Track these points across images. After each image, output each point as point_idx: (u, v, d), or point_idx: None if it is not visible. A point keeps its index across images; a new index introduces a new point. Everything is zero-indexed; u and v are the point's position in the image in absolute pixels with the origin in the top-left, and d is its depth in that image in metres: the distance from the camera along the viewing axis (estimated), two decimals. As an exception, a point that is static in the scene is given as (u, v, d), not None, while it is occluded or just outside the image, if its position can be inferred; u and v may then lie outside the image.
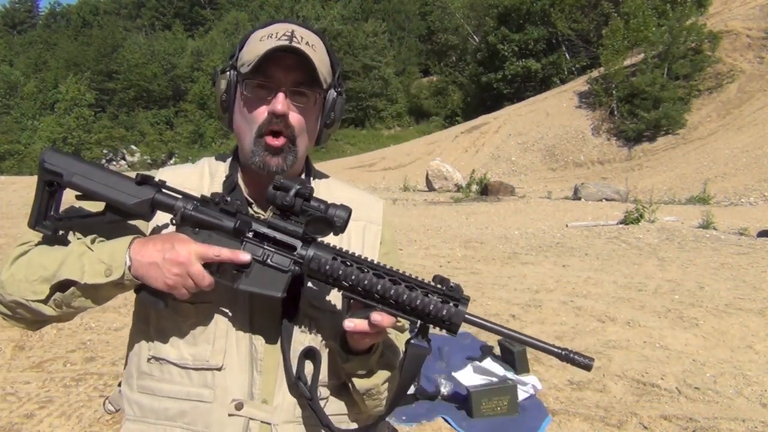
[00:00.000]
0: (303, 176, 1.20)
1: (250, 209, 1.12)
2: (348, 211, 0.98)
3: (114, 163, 38.75)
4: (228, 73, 1.10)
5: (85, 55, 46.58)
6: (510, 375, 3.60)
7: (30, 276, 0.99)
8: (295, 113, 1.07)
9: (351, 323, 0.96)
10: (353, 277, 0.95)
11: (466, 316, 0.95)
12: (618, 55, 24.70)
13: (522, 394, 3.40)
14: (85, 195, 1.03)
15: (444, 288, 0.95)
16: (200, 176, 1.18)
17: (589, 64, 30.86)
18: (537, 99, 29.41)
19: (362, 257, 0.98)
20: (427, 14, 43.74)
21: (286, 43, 1.04)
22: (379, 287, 0.94)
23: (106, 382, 3.70)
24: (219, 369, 1.05)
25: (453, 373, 3.63)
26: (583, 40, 33.27)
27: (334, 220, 0.96)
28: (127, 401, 1.11)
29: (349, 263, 0.96)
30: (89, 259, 0.98)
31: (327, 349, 1.11)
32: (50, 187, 1.04)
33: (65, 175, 1.01)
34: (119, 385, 1.17)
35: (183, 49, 46.49)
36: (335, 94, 1.13)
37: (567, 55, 34.25)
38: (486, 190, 15.78)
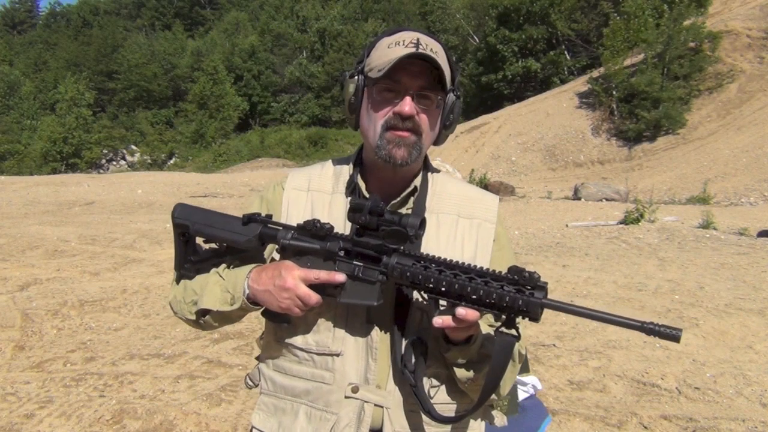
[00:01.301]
0: (421, 173, 1.27)
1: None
2: (419, 218, 1.06)
3: (114, 162, 38.76)
4: (357, 77, 1.20)
5: (85, 55, 46.58)
6: (510, 375, 3.60)
7: (186, 299, 1.24)
8: (421, 114, 1.16)
9: (439, 320, 1.04)
10: (432, 280, 1.03)
11: (544, 301, 0.99)
12: (618, 56, 24.68)
13: (522, 394, 3.39)
14: (208, 240, 1.24)
15: (519, 278, 1.00)
16: (326, 176, 1.29)
17: (589, 64, 30.84)
18: (537, 99, 29.40)
19: (443, 259, 1.06)
20: (427, 14, 43.70)
21: (413, 50, 1.12)
22: (456, 286, 1.01)
23: (106, 382, 3.70)
24: (338, 355, 1.17)
25: (453, 373, 3.63)
26: (583, 40, 33.26)
27: (407, 229, 1.05)
28: (263, 377, 1.28)
29: (427, 267, 1.05)
30: (221, 287, 1.18)
31: (436, 341, 1.17)
32: (183, 237, 1.26)
33: (191, 225, 1.24)
34: (258, 360, 1.33)
35: (183, 49, 46.48)
36: (454, 97, 1.22)
37: (567, 55, 34.24)
38: (486, 190, 15.77)
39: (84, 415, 3.27)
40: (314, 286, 1.10)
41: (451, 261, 1.05)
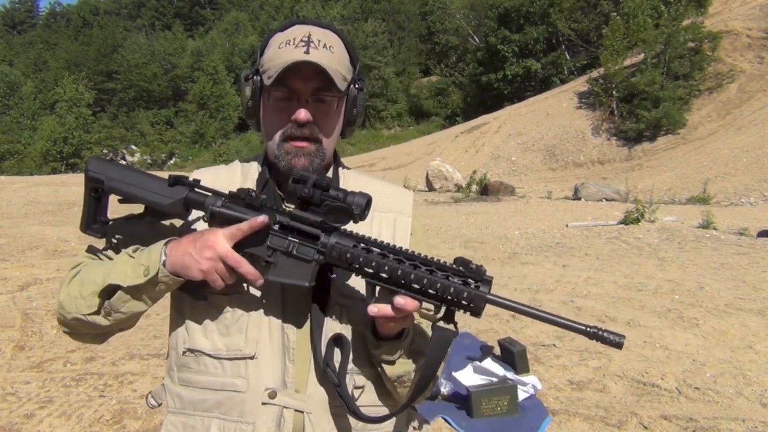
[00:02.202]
0: (332, 170, 1.22)
1: (284, 205, 1.15)
2: (366, 197, 0.99)
3: (114, 163, 38.73)
4: (252, 79, 1.13)
5: (85, 55, 46.60)
6: (510, 375, 3.60)
7: (84, 291, 1.07)
8: (319, 118, 1.11)
9: (375, 308, 0.97)
10: (374, 263, 0.96)
11: (488, 296, 0.94)
12: (618, 56, 24.68)
13: (522, 394, 3.39)
14: (125, 199, 1.11)
15: (465, 270, 0.95)
16: (233, 176, 1.22)
17: (589, 64, 30.85)
18: (537, 99, 29.40)
19: (384, 242, 0.99)
20: (427, 14, 43.70)
21: (303, 51, 1.07)
22: (399, 272, 0.95)
23: (106, 382, 3.70)
24: (252, 358, 1.07)
25: (453, 373, 3.62)
26: (583, 40, 33.26)
27: (353, 207, 0.98)
28: (168, 394, 1.15)
29: (370, 250, 0.97)
30: (131, 264, 1.04)
31: (360, 337, 1.11)
32: (95, 193, 1.11)
33: (106, 180, 1.10)
34: (164, 379, 1.21)
35: (183, 49, 46.48)
36: (356, 91, 1.16)
37: (567, 55, 34.24)
38: (486, 190, 15.77)
39: (84, 415, 3.27)
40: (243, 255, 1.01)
41: (394, 246, 0.98)
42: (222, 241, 0.99)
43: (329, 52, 1.10)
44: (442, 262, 0.97)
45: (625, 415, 3.29)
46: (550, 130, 25.43)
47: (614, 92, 24.81)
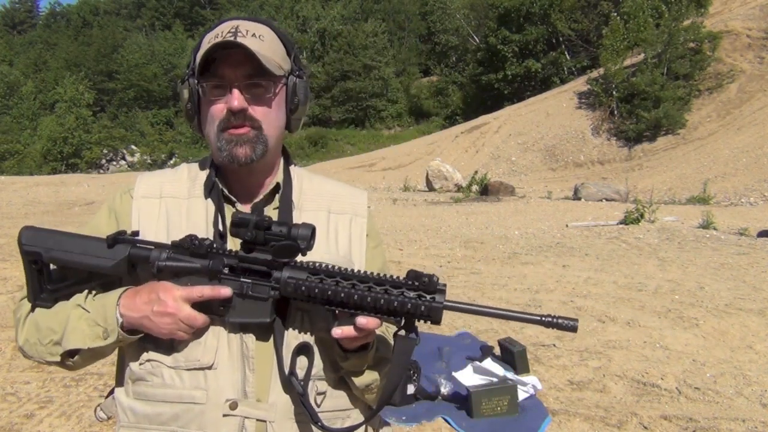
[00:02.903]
0: (282, 169, 1.20)
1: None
2: (310, 228, 1.00)
3: (114, 162, 38.76)
4: (188, 81, 1.12)
5: (85, 55, 46.58)
6: (510, 375, 3.60)
7: (42, 339, 1.07)
8: (255, 105, 1.09)
9: (339, 330, 1.00)
10: (329, 292, 0.98)
11: (445, 304, 0.98)
12: (617, 56, 24.68)
13: (522, 394, 3.40)
14: (66, 267, 1.08)
15: (418, 284, 0.98)
16: (180, 180, 1.19)
17: (589, 64, 30.85)
18: (537, 99, 29.40)
19: (336, 268, 1.01)
20: (427, 14, 43.70)
21: (230, 39, 1.05)
22: (356, 297, 0.98)
23: (106, 382, 3.70)
24: (210, 368, 1.05)
25: (453, 373, 3.63)
26: (583, 40, 33.26)
27: (298, 242, 0.99)
28: (120, 408, 1.12)
29: (323, 281, 0.99)
30: (87, 322, 1.04)
31: (321, 342, 1.11)
32: (35, 265, 1.08)
33: (43, 252, 1.07)
34: (110, 392, 1.18)
35: (183, 49, 46.42)
36: (295, 78, 1.14)
37: (567, 55, 34.24)
38: (486, 190, 15.76)
39: (84, 415, 3.27)
40: (198, 306, 1.01)
41: (346, 270, 1.00)
42: (181, 306, 1.00)
43: (258, 40, 1.08)
44: (395, 278, 1.00)
45: (625, 415, 3.29)
46: (550, 130, 25.43)
47: (614, 92, 24.81)
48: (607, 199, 14.79)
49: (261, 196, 1.17)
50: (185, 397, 1.05)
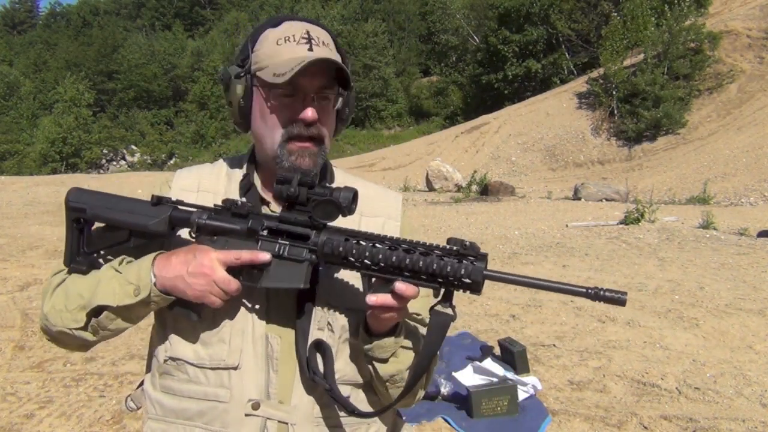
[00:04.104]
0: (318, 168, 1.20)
1: (266, 208, 1.14)
2: (352, 191, 0.98)
3: (114, 162, 38.77)
4: (244, 77, 1.09)
5: (85, 55, 46.57)
6: (510, 375, 3.60)
7: (69, 305, 1.04)
8: (322, 116, 1.08)
9: (374, 296, 0.95)
10: (367, 254, 0.95)
11: (485, 272, 0.93)
12: (617, 56, 24.69)
13: (522, 394, 3.40)
14: (109, 225, 1.09)
15: (458, 248, 0.93)
16: (217, 177, 1.19)
17: (589, 64, 30.85)
18: (537, 99, 29.40)
19: (374, 234, 0.98)
20: (427, 14, 43.68)
21: (306, 48, 1.05)
22: (394, 258, 0.93)
23: (106, 382, 3.70)
24: (235, 368, 1.05)
25: (453, 373, 3.63)
26: (583, 40, 33.26)
27: (340, 201, 0.96)
28: (149, 400, 1.13)
29: (361, 242, 0.96)
30: (119, 281, 1.01)
31: (347, 347, 1.10)
32: (78, 224, 1.09)
33: (88, 209, 1.08)
34: (141, 383, 1.19)
35: (183, 49, 46.48)
36: (351, 91, 1.15)
37: (567, 55, 34.24)
38: (486, 191, 15.76)
39: (84, 415, 3.27)
40: (233, 271, 0.99)
41: (384, 235, 0.97)
42: (217, 267, 0.97)
43: (328, 49, 1.08)
44: (435, 244, 0.95)
45: (625, 415, 3.29)
46: (550, 130, 25.43)
47: (614, 92, 24.82)
48: (607, 199, 14.79)
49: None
50: (210, 395, 1.06)
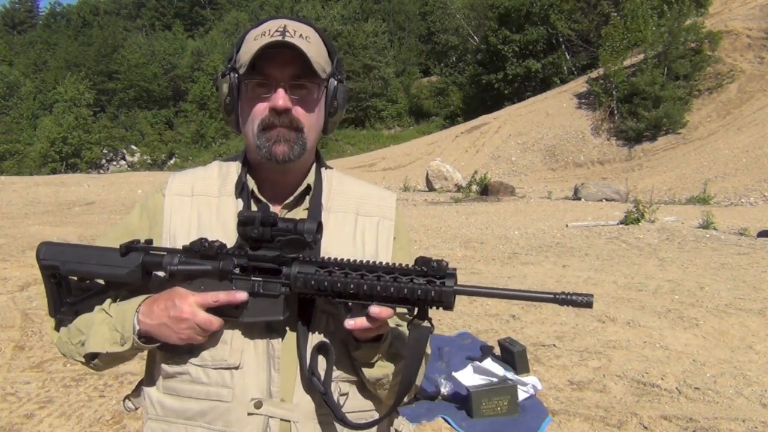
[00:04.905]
0: (314, 170, 1.21)
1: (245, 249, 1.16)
2: (315, 222, 1.01)
3: (114, 162, 38.76)
4: (228, 75, 1.11)
5: (85, 55, 46.57)
6: (510, 375, 3.60)
7: (72, 339, 1.13)
8: (298, 106, 1.09)
9: (351, 321, 0.99)
10: (339, 284, 0.98)
11: (455, 288, 0.96)
12: (617, 56, 24.69)
13: (522, 395, 3.40)
14: (83, 278, 1.13)
15: (427, 269, 0.97)
16: (210, 179, 1.20)
17: (589, 64, 30.86)
18: (537, 99, 29.40)
19: (346, 261, 1.01)
20: (427, 14, 43.69)
21: (279, 38, 1.05)
22: (365, 287, 0.97)
23: (106, 382, 3.70)
24: (237, 368, 1.07)
25: (453, 373, 3.63)
26: (583, 40, 33.27)
27: (304, 236, 0.99)
28: (149, 400, 1.14)
29: (332, 272, 1.00)
30: (108, 326, 1.08)
31: (345, 345, 1.11)
32: (54, 278, 1.13)
33: (60, 265, 1.11)
34: (139, 384, 1.20)
35: (183, 49, 46.47)
36: (336, 82, 1.14)
37: (567, 55, 34.25)
38: (486, 191, 15.77)
39: (84, 415, 3.27)
40: (213, 309, 1.02)
41: (354, 261, 1.00)
42: (196, 310, 1.01)
43: (306, 41, 1.08)
44: (404, 266, 1.00)
45: (625, 415, 3.29)
46: (550, 130, 25.44)
47: (614, 92, 24.82)
48: (607, 199, 14.80)
49: (292, 198, 1.17)
50: (212, 395, 1.07)
